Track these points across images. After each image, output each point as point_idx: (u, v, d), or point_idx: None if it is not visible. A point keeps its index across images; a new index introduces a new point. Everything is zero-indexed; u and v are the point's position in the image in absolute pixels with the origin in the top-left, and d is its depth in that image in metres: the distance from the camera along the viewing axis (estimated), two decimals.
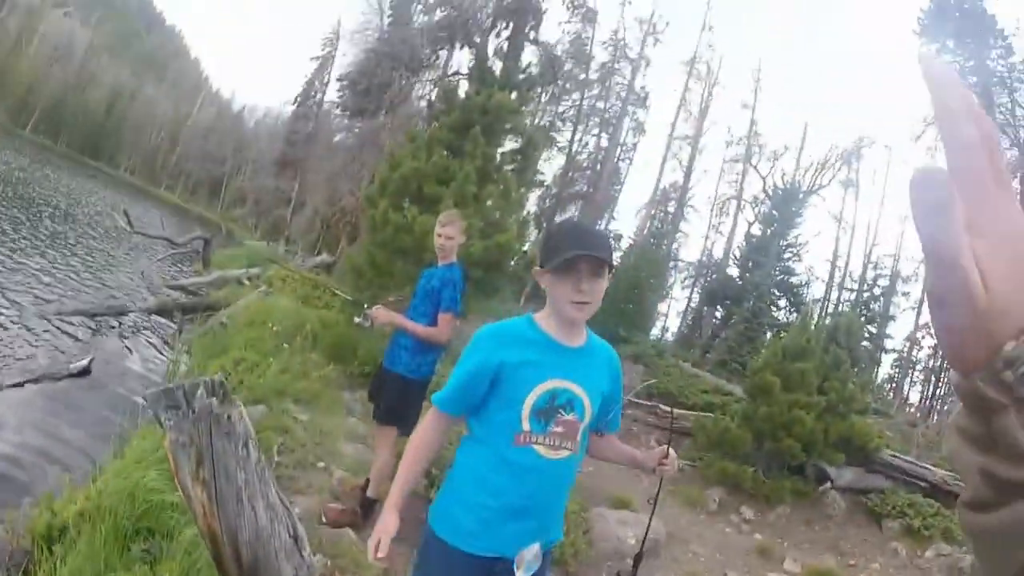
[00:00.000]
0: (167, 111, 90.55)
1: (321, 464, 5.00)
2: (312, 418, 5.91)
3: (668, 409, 10.56)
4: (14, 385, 5.38)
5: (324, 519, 4.03)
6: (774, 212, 25.31)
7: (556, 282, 1.79)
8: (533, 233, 24.90)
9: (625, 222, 33.22)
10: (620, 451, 2.19)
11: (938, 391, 24.63)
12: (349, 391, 7.38)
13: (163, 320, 10.08)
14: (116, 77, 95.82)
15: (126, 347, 8.11)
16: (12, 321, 7.55)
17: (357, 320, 4.21)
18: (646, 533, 2.52)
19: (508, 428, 1.80)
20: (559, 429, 1.82)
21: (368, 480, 4.23)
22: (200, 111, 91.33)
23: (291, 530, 2.47)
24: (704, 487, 7.97)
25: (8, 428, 4.91)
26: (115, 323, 8.93)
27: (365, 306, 4.39)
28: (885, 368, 26.57)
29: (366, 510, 4.13)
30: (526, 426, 1.79)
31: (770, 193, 27.24)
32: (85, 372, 5.97)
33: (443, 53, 23.05)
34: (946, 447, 0.56)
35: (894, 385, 26.93)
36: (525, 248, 10.19)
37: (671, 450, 2.10)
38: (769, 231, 24.74)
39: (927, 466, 8.73)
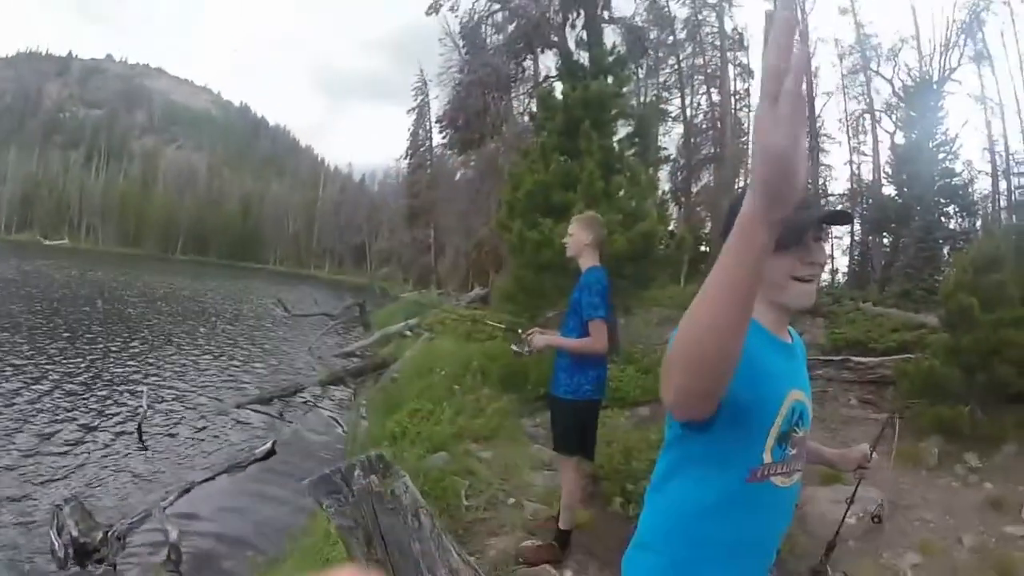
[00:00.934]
0: (296, 200, 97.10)
1: (511, 500, 4.88)
2: (495, 454, 5.84)
3: (862, 361, 9.72)
4: (205, 480, 5.59)
5: (522, 559, 3.90)
6: (912, 114, 23.00)
7: (776, 258, 1.31)
8: (674, 210, 24.20)
9: None
10: (810, 450, 1.70)
11: None
12: (528, 418, 7.25)
13: (338, 388, 10.40)
14: (241, 186, 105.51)
15: (307, 423, 8.41)
16: (201, 420, 8.21)
17: (515, 348, 3.97)
18: (839, 526, 2.30)
19: (743, 462, 1.35)
20: (794, 451, 1.41)
21: (560, 511, 4.04)
22: (325, 191, 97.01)
23: None
24: (918, 440, 7.06)
25: (204, 518, 5.24)
26: (294, 402, 9.27)
27: (520, 332, 4.17)
28: None
29: (562, 543, 3.98)
30: (768, 458, 1.35)
31: (902, 95, 24.87)
32: (270, 454, 6.15)
33: (528, 64, 22.94)
34: None
35: None
36: (671, 228, 9.80)
37: (874, 453, 1.83)
38: (914, 136, 22.50)
39: None
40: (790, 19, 0.77)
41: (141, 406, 7.82)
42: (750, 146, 0.79)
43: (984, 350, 6.93)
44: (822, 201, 27.72)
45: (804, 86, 0.78)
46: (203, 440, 7.44)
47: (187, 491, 5.37)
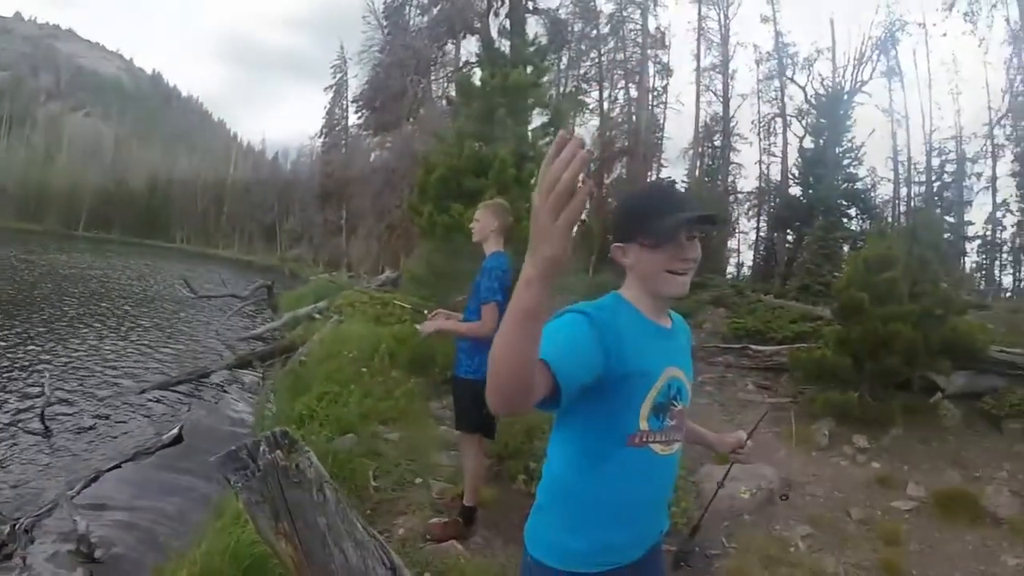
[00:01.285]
0: (206, 176, 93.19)
1: (419, 480, 4.94)
2: (403, 436, 5.87)
3: (760, 349, 10.25)
4: (112, 468, 5.45)
5: (429, 536, 3.96)
6: (822, 120, 24.12)
7: (651, 254, 1.55)
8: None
9: (675, 168, 31.99)
10: (690, 431, 1.92)
11: None
12: (436, 400, 7.31)
13: (246, 372, 10.22)
14: (150, 158, 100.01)
15: (215, 407, 8.24)
16: (107, 406, 7.84)
17: (419, 328, 4.06)
18: (705, 511, 2.45)
19: (620, 430, 1.53)
20: (673, 422, 1.61)
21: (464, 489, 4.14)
22: (236, 168, 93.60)
23: (386, 562, 2.40)
24: (811, 422, 7.55)
25: (114, 506, 5.00)
26: (202, 386, 9.08)
27: (426, 313, 4.27)
28: (971, 257, 25.28)
29: (467, 519, 4.06)
30: (644, 425, 1.54)
31: (813, 102, 25.99)
32: (177, 441, 6.00)
33: (449, 48, 22.83)
34: None
35: (983, 273, 25.52)
36: (582, 217, 10.00)
37: (749, 441, 2.08)
38: (822, 141, 23.60)
39: None
40: (585, 157, 0.98)
41: (43, 392, 7.46)
42: (535, 229, 1.02)
43: (873, 341, 7.43)
44: (730, 197, 28.78)
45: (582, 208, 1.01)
46: (110, 426, 7.13)
47: (94, 480, 5.18)
